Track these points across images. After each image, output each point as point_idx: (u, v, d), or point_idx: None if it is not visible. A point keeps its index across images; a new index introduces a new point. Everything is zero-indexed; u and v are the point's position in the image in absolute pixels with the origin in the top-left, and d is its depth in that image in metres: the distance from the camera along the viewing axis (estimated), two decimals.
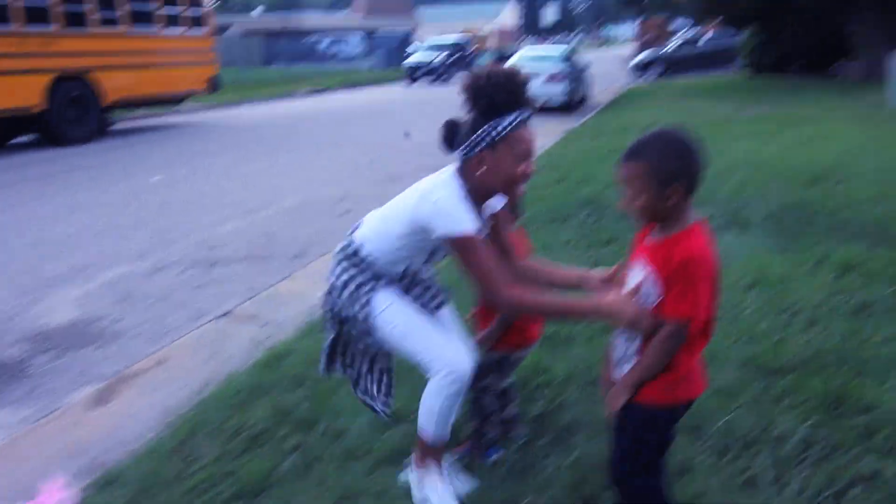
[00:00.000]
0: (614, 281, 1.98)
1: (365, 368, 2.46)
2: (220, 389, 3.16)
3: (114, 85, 13.25)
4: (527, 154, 2.02)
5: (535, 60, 15.91)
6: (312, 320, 3.88)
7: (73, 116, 12.51)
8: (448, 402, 2.16)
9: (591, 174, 7.18)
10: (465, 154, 2.05)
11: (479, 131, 2.00)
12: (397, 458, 2.52)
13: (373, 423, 2.72)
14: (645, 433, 1.80)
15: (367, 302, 2.19)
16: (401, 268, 2.24)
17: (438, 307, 2.38)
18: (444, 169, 2.13)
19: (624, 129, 10.76)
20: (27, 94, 11.67)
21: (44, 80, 11.92)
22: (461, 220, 1.98)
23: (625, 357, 1.83)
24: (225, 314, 4.27)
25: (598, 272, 2.09)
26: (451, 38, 32.67)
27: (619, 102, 16.72)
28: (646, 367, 1.75)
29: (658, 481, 1.89)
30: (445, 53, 30.16)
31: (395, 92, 25.25)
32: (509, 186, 2.07)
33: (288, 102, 22.19)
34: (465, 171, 2.08)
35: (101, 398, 3.31)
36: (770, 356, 3.04)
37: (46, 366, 3.72)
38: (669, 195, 1.68)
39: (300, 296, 4.34)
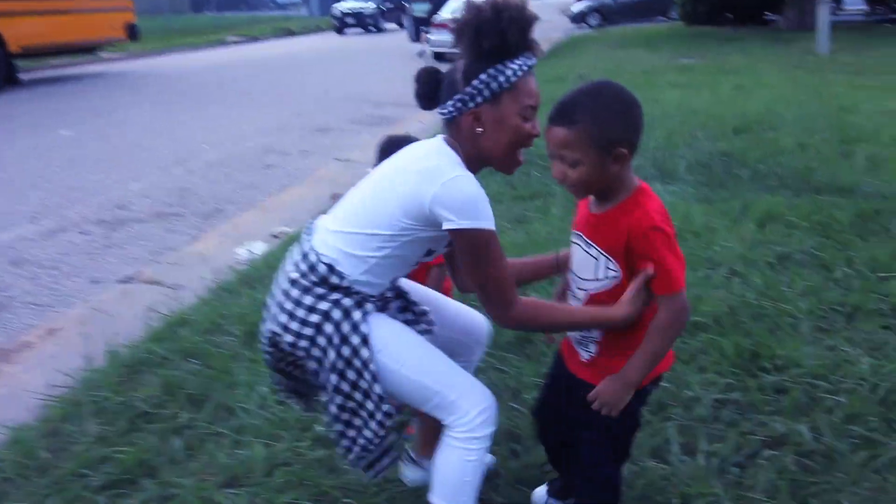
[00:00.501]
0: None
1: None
2: (107, 363, 2.92)
3: (20, 32, 12.40)
4: (535, 109, 1.61)
5: None
6: (216, 285, 3.66)
7: None
8: (474, 457, 1.66)
9: None
10: (454, 110, 1.60)
11: (477, 80, 1.56)
12: (292, 435, 2.36)
13: (267, 399, 2.54)
14: (620, 420, 1.60)
15: (362, 342, 1.63)
16: (386, 282, 1.70)
17: (427, 330, 1.85)
18: (429, 139, 1.70)
19: (560, 78, 10.58)
20: None
21: None
22: (482, 208, 1.53)
23: (588, 337, 1.63)
24: (125, 280, 3.99)
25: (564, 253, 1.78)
26: None
27: (557, 52, 16.49)
28: (652, 356, 1.52)
29: (620, 470, 1.75)
30: (377, 2, 29.22)
31: (329, 41, 24.53)
32: (512, 151, 1.62)
33: (217, 52, 21.32)
34: (455, 135, 1.63)
35: None
36: None
37: None
38: (612, 162, 1.45)
39: (207, 258, 4.08)
